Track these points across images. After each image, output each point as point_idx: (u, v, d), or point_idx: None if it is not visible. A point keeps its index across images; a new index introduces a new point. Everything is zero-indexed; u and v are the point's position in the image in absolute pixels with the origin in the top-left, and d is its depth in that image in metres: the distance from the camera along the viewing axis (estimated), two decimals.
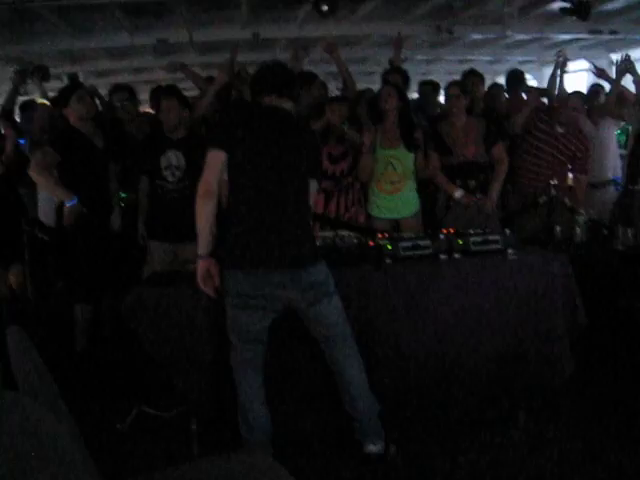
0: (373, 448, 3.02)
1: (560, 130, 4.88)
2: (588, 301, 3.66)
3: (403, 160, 4.52)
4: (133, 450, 3.19)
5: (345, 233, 3.71)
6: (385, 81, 5.04)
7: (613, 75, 5.57)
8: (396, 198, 4.59)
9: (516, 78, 5.89)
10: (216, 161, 2.86)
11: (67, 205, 4.05)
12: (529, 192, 4.85)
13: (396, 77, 5.33)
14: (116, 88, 5.42)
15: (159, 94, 5.00)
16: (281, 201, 2.87)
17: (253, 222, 2.87)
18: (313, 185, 3.03)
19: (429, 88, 6.00)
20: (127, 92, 5.32)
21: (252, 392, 3.00)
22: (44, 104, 5.56)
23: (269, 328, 2.98)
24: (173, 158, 4.29)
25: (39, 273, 4.54)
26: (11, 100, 5.42)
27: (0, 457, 1.23)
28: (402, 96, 4.60)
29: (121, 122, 5.06)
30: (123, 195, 4.65)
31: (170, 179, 4.29)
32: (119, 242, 4.42)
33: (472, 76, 5.50)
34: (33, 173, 4.10)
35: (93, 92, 5.30)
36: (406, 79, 5.41)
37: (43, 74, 6.79)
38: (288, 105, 3.03)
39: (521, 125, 4.99)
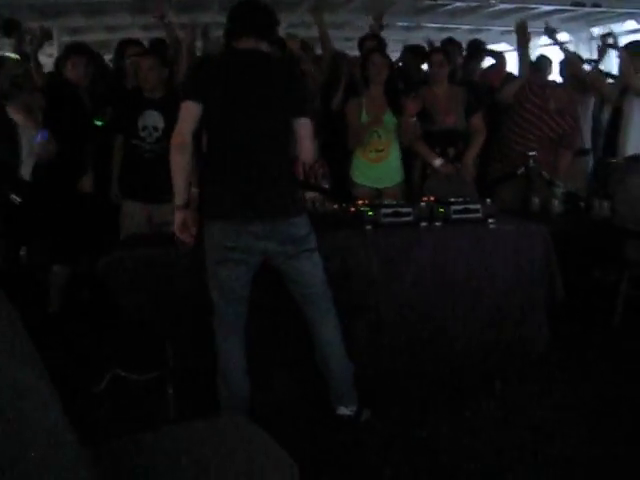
0: (345, 410, 3.03)
1: (553, 106, 4.85)
2: (564, 273, 3.68)
3: (388, 129, 4.46)
4: (108, 414, 3.15)
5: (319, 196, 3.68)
6: (370, 48, 4.95)
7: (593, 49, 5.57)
8: (380, 167, 4.55)
9: (476, 48, 5.87)
10: (190, 112, 2.78)
11: (38, 139, 3.97)
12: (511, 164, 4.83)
13: (372, 43, 5.28)
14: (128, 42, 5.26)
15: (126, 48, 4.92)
16: (259, 149, 2.78)
17: (230, 172, 2.79)
18: (304, 123, 2.85)
19: (413, 54, 5.93)
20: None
21: (232, 357, 2.96)
22: (14, 59, 5.38)
23: (250, 286, 2.92)
24: (151, 118, 4.19)
25: (9, 234, 4.45)
26: None
27: None
28: (391, 65, 4.54)
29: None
30: (99, 122, 4.50)
31: (148, 139, 4.19)
32: (93, 202, 4.35)
33: (451, 45, 5.45)
34: (12, 110, 4.02)
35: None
36: (383, 46, 5.35)
37: (14, 28, 6.58)
38: (264, 47, 2.88)
39: (512, 96, 4.91)
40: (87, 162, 4.38)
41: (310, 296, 2.96)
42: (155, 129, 4.20)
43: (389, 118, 4.46)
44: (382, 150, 4.51)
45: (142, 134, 4.19)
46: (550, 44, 5.36)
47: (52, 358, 1.84)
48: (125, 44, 5.11)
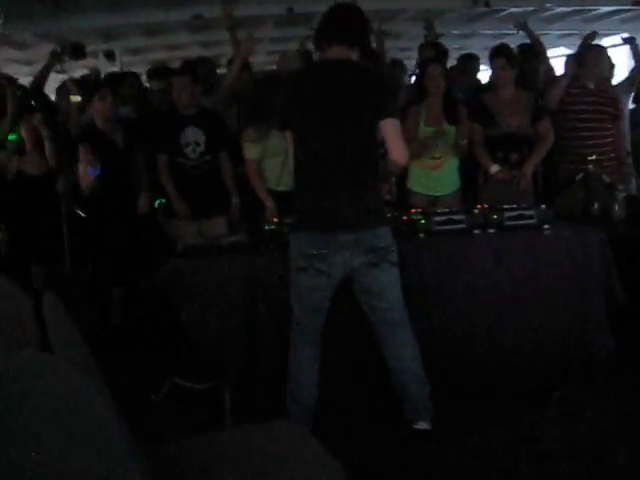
0: (423, 425, 3.01)
1: (591, 86, 4.72)
2: (627, 280, 3.59)
3: (445, 137, 4.43)
4: (166, 422, 3.24)
5: None
6: (428, 58, 4.95)
7: None
8: (437, 174, 4.52)
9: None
10: (289, 140, 3.01)
11: (90, 173, 4.07)
12: (570, 167, 4.72)
13: (431, 51, 5.27)
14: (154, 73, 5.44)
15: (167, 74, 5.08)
16: (345, 159, 2.79)
17: (317, 183, 2.84)
18: (391, 124, 2.82)
19: (469, 61, 5.91)
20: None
21: (305, 367, 2.98)
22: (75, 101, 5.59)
23: (329, 300, 2.94)
24: (192, 134, 4.30)
25: (77, 246, 4.61)
26: (42, 77, 5.43)
27: (36, 418, 1.26)
28: (447, 74, 4.54)
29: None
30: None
31: (192, 156, 4.29)
32: (148, 224, 4.43)
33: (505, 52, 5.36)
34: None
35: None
36: (444, 53, 5.35)
37: (79, 52, 6.84)
38: (354, 55, 2.87)
39: (556, 100, 4.77)
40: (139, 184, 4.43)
41: (386, 312, 2.94)
42: (197, 144, 4.30)
43: (445, 127, 4.44)
44: (439, 158, 4.49)
45: (186, 151, 4.29)
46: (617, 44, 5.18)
47: (113, 367, 1.92)
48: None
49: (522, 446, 2.91)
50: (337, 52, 2.85)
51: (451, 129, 4.44)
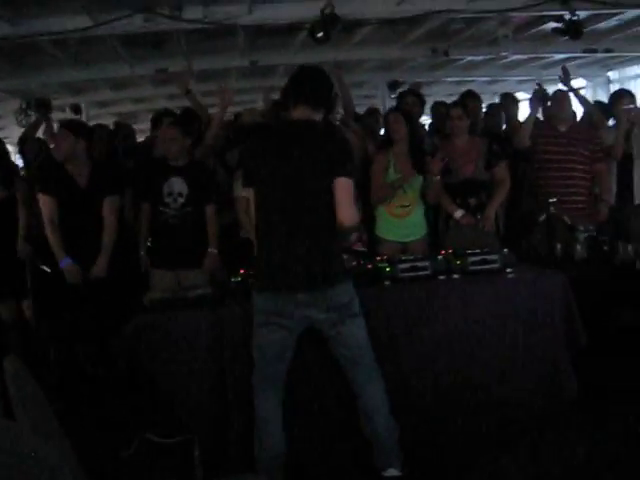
0: (392, 471, 3.00)
1: (562, 129, 4.88)
2: (589, 319, 3.66)
3: (413, 185, 4.51)
4: (137, 478, 3.19)
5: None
6: (395, 107, 5.08)
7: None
8: (406, 222, 4.58)
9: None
10: (251, 198, 3.00)
11: (62, 265, 4.06)
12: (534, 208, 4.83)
13: (411, 99, 5.41)
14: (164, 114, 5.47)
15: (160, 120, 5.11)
16: (304, 220, 2.83)
17: (276, 242, 2.86)
18: (343, 184, 2.82)
19: (443, 109, 6.05)
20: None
21: (269, 413, 2.99)
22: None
23: (292, 349, 2.96)
24: (176, 185, 4.30)
25: (41, 302, 4.57)
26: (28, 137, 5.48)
27: None
28: (410, 121, 4.63)
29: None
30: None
31: (172, 205, 4.30)
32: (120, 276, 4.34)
33: (470, 98, 5.53)
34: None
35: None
36: (422, 102, 5.49)
37: (44, 107, 6.87)
38: (318, 116, 2.94)
39: (526, 139, 4.89)
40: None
41: (354, 359, 2.98)
42: (180, 195, 4.30)
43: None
44: (408, 205, 4.55)
45: (167, 200, 4.29)
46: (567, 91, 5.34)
47: (82, 423, 1.90)
48: (161, 116, 5.33)
49: None
50: (301, 112, 2.93)
51: (418, 178, 4.53)
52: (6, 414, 1.55)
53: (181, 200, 4.30)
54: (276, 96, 5.59)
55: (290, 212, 2.84)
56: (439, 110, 5.98)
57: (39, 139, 5.72)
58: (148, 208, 4.38)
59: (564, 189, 4.75)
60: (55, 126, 5.51)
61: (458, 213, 4.56)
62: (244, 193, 4.24)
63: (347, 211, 2.83)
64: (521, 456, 3.18)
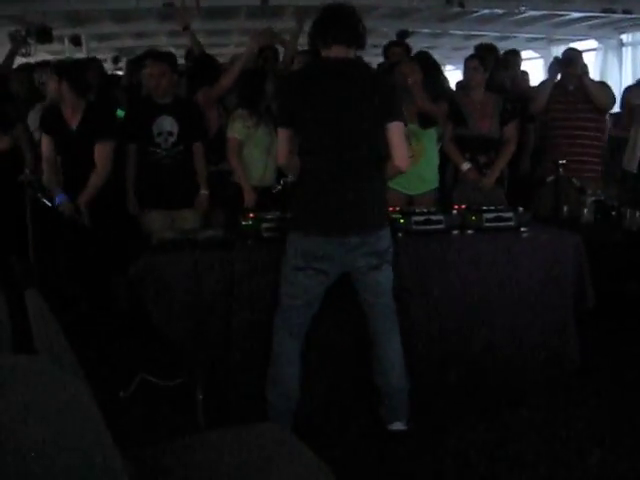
0: (398, 425, 3.01)
1: (571, 87, 4.78)
2: (595, 283, 3.62)
3: (419, 136, 4.42)
4: (137, 420, 3.17)
5: None
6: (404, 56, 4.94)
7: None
8: (410, 172, 4.48)
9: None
10: (282, 137, 2.88)
11: (57, 202, 4.05)
12: (545, 169, 4.75)
13: (397, 50, 5.27)
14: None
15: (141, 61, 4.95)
16: (354, 163, 2.78)
17: (326, 185, 2.79)
18: (396, 128, 2.80)
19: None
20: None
21: (288, 359, 2.96)
22: None
23: (322, 296, 2.93)
24: (166, 124, 4.18)
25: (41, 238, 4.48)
26: (6, 64, 5.25)
27: (23, 420, 1.19)
28: (427, 71, 4.49)
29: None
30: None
31: (163, 145, 4.18)
32: (118, 214, 4.29)
33: (486, 50, 5.39)
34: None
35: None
36: (408, 52, 5.34)
37: (45, 36, 6.66)
38: (352, 54, 2.85)
39: (543, 105, 4.84)
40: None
41: (380, 307, 2.98)
42: (170, 134, 4.19)
43: (417, 127, 4.42)
44: (412, 156, 4.46)
45: (158, 140, 4.18)
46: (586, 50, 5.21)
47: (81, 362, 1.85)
48: (144, 57, 5.15)
49: (497, 449, 2.92)
50: (337, 51, 2.81)
51: (428, 131, 4.42)
52: (28, 348, 1.48)
53: (172, 139, 4.19)
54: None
55: (340, 154, 2.77)
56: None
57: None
58: (134, 149, 4.25)
59: (570, 148, 4.70)
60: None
61: (465, 165, 4.54)
62: (235, 134, 4.21)
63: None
64: (524, 419, 3.18)
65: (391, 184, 4.48)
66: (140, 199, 4.30)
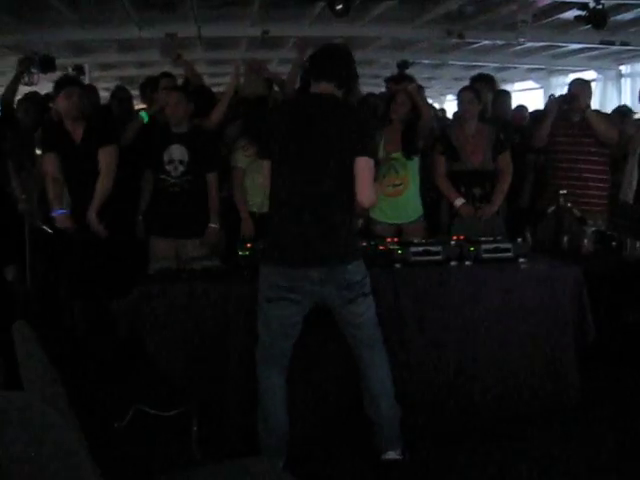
0: (392, 455, 2.97)
1: (576, 119, 4.74)
2: (595, 314, 3.60)
3: (404, 165, 4.46)
4: (131, 451, 3.12)
5: None
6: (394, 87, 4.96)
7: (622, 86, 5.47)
8: (398, 201, 4.52)
9: None
10: (265, 169, 2.95)
11: (54, 214, 4.06)
12: (545, 199, 4.75)
13: (393, 85, 5.31)
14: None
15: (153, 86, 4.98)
16: (321, 195, 2.77)
17: (292, 216, 2.80)
18: (364, 164, 2.78)
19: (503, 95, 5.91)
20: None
21: (274, 393, 2.93)
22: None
23: (300, 326, 2.91)
24: (177, 152, 4.21)
25: (39, 266, 4.48)
26: (11, 89, 5.29)
27: (5, 456, 1.17)
28: (415, 105, 4.51)
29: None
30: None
31: (173, 173, 4.21)
32: (117, 239, 4.25)
33: (481, 82, 5.40)
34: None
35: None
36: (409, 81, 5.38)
37: (48, 65, 6.70)
38: (339, 94, 2.90)
39: (544, 139, 4.81)
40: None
41: (362, 339, 2.95)
42: (181, 163, 4.21)
43: (399, 156, 4.46)
44: (400, 184, 4.50)
45: (168, 168, 4.20)
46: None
47: (76, 391, 1.84)
48: (160, 77, 5.20)
49: None
50: (323, 88, 2.87)
51: (413, 160, 4.46)
52: (14, 383, 1.46)
53: (181, 168, 4.22)
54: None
55: (308, 187, 2.77)
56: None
57: (41, 98, 5.56)
58: (150, 174, 4.30)
59: (573, 181, 4.68)
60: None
61: (458, 202, 4.52)
62: (236, 163, 4.28)
63: (367, 192, 2.81)
64: (521, 452, 3.13)
65: (378, 217, 4.54)
66: (148, 225, 4.33)
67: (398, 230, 4.48)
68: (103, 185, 4.13)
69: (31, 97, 5.59)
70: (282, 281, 2.80)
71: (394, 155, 4.47)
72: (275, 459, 2.84)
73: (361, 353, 2.97)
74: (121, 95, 5.46)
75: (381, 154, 4.42)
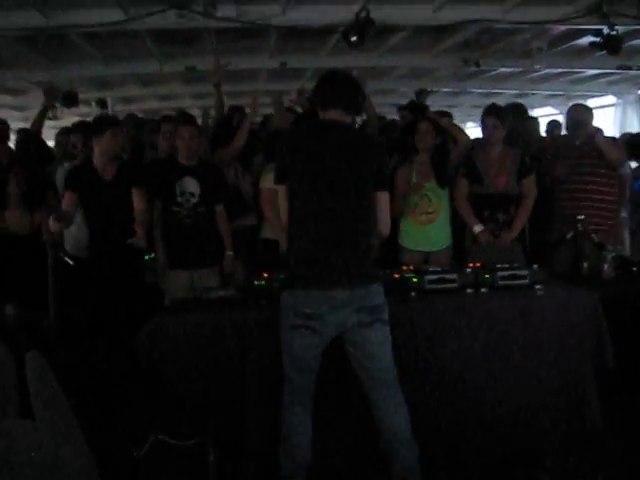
0: None
1: (577, 143, 4.74)
2: (615, 341, 3.55)
3: (438, 193, 4.51)
4: (149, 478, 3.13)
5: None
6: (421, 116, 5.00)
7: None
8: (430, 229, 4.54)
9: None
10: (282, 195, 2.94)
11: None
12: (562, 226, 4.73)
13: (406, 113, 5.38)
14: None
15: (165, 122, 5.11)
16: (342, 218, 2.80)
17: (314, 240, 2.81)
18: (384, 197, 2.94)
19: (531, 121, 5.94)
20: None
21: (300, 425, 2.92)
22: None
23: (320, 359, 2.90)
24: (189, 185, 4.30)
25: (62, 295, 4.53)
26: (39, 122, 5.41)
27: None
28: (440, 131, 4.57)
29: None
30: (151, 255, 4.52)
31: (185, 205, 4.28)
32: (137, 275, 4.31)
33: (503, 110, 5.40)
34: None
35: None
36: (422, 111, 5.42)
37: (71, 100, 6.87)
38: (348, 120, 2.97)
39: (566, 172, 4.79)
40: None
41: (378, 372, 2.90)
42: (192, 195, 4.30)
43: (435, 185, 4.49)
44: (432, 212, 4.52)
45: (180, 200, 4.28)
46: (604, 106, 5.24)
47: (95, 422, 1.85)
48: (161, 120, 5.34)
49: None
50: (333, 114, 2.91)
51: (444, 189, 4.50)
52: (25, 413, 1.49)
53: (194, 200, 4.30)
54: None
55: (330, 211, 2.80)
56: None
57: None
58: (160, 207, 4.36)
59: (581, 203, 4.67)
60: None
61: (477, 228, 4.50)
62: (268, 185, 4.31)
63: (386, 222, 2.96)
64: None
65: (406, 244, 4.56)
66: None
67: (426, 258, 4.50)
68: (141, 215, 4.20)
69: (64, 132, 5.70)
70: (304, 307, 2.79)
71: (427, 185, 4.51)
72: None
73: (375, 395, 2.92)
74: (151, 126, 5.62)
75: (414, 181, 4.50)
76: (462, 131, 4.87)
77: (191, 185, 4.29)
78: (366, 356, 2.89)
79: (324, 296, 2.78)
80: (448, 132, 4.72)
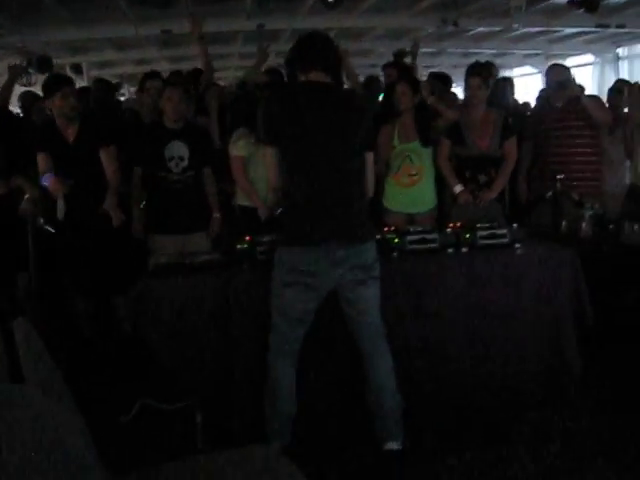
0: (394, 445, 2.99)
1: (558, 104, 4.78)
2: (593, 297, 3.63)
3: (420, 154, 4.50)
4: (136, 443, 3.17)
5: None
6: (397, 77, 4.98)
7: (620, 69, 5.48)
8: (413, 191, 4.56)
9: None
10: (269, 155, 2.96)
11: (42, 182, 4.04)
12: (542, 185, 4.77)
13: (392, 71, 5.33)
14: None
15: (150, 79, 4.99)
16: (339, 179, 2.84)
17: (311, 198, 2.83)
18: (369, 157, 2.98)
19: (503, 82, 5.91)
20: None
21: (284, 377, 2.98)
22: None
23: (313, 314, 2.94)
24: (177, 149, 4.23)
25: (43, 263, 4.52)
26: (4, 95, 5.30)
27: (7, 450, 1.21)
28: (417, 90, 4.55)
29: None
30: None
31: (175, 170, 4.23)
32: (118, 237, 4.29)
33: (486, 69, 5.39)
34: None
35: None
36: (408, 72, 5.40)
37: (45, 65, 6.75)
38: (328, 79, 2.92)
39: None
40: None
41: (369, 326, 2.98)
42: (181, 159, 4.23)
43: (419, 145, 4.50)
44: (415, 174, 4.53)
45: (169, 165, 4.22)
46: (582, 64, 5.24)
47: (82, 386, 1.87)
48: (146, 78, 5.15)
49: (496, 466, 2.92)
50: (316, 76, 2.89)
51: (427, 149, 4.50)
52: (16, 378, 1.51)
53: (183, 164, 4.24)
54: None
55: (327, 172, 2.83)
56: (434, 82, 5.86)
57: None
58: (140, 173, 4.29)
59: (566, 165, 4.69)
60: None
61: (457, 188, 4.53)
62: (241, 152, 4.32)
63: (371, 182, 3.02)
64: (524, 436, 3.17)
65: (391, 205, 4.58)
66: (152, 224, 4.34)
67: (410, 220, 4.51)
68: (113, 182, 4.19)
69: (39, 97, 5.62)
70: (302, 264, 2.82)
71: (409, 145, 4.51)
72: (279, 441, 2.89)
73: (364, 344, 3.00)
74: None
75: (395, 144, 4.50)
76: (447, 110, 4.80)
77: (180, 149, 4.23)
78: (359, 312, 2.95)
79: (320, 253, 2.81)
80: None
